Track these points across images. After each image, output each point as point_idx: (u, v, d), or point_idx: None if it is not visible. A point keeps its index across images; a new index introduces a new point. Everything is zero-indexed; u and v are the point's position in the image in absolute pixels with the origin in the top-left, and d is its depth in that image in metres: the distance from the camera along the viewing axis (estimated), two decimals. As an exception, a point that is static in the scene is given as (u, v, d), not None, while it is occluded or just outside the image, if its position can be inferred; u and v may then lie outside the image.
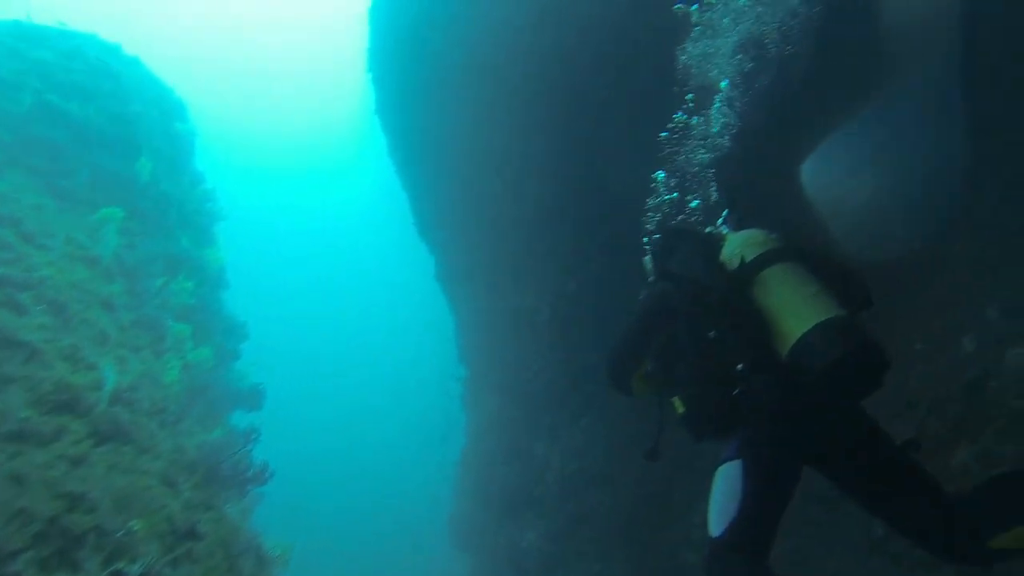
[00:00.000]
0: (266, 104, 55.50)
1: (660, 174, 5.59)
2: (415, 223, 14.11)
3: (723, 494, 2.28)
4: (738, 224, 2.95)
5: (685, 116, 5.86)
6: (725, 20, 6.73)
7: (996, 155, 5.60)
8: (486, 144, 10.35)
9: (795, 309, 2.25)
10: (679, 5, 6.35)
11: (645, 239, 3.28)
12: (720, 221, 3.07)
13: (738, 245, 2.55)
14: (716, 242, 2.75)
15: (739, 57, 6.93)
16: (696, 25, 6.42)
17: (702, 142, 5.92)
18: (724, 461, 2.38)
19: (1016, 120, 5.02)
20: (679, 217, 4.89)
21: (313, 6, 50.99)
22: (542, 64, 8.70)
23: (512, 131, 9.65)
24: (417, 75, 11.07)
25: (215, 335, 11.81)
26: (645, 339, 2.75)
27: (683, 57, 6.38)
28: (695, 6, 6.50)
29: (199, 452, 6.20)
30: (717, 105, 5.83)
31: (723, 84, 5.12)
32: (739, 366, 2.29)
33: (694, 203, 4.60)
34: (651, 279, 3.10)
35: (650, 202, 4.97)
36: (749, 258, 2.45)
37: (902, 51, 12.83)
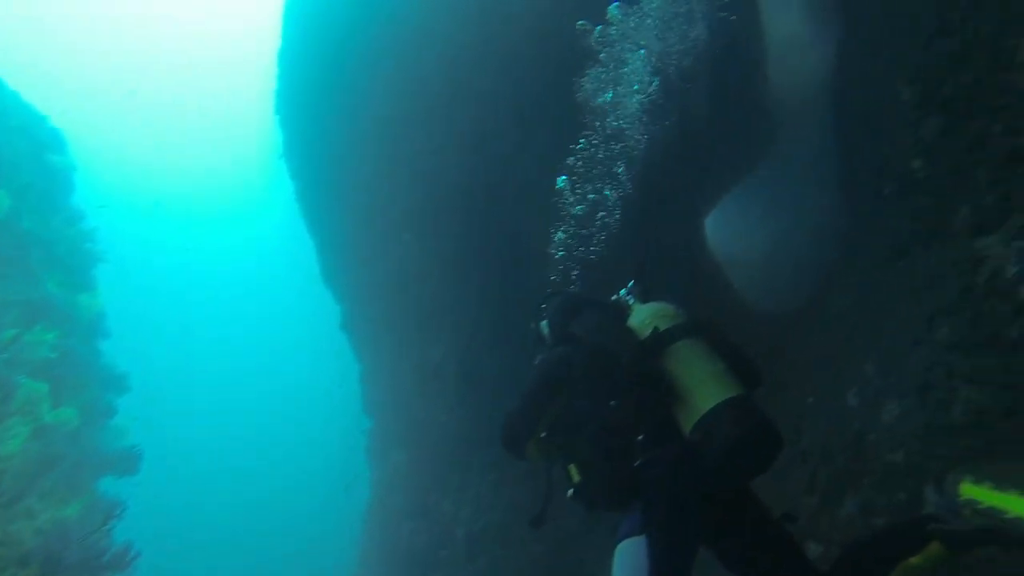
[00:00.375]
0: (168, 141, 52.86)
1: (559, 234, 5.66)
2: (320, 270, 13.54)
3: (628, 571, 2.27)
4: (644, 295, 2.93)
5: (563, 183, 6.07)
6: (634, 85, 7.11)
7: (868, 218, 6.07)
8: (394, 193, 10.17)
9: (703, 385, 2.26)
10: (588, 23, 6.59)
11: (542, 301, 3.19)
12: (624, 291, 3.02)
13: (648, 316, 2.56)
14: (622, 311, 2.75)
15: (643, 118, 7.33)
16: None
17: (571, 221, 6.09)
18: (624, 536, 2.35)
19: (883, 185, 5.46)
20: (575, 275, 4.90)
21: (223, 42, 49.73)
22: (451, 117, 8.73)
23: (421, 180, 9.55)
24: (326, 120, 10.81)
25: (86, 390, 10.53)
26: (543, 404, 2.66)
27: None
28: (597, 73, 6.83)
29: (39, 538, 5.27)
30: (561, 184, 6.05)
31: (560, 182, 5.37)
32: (640, 437, 2.28)
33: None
34: (549, 342, 2.99)
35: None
36: (662, 329, 2.45)
37: (784, 115, 14.12)
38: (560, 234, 5.82)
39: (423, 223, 9.67)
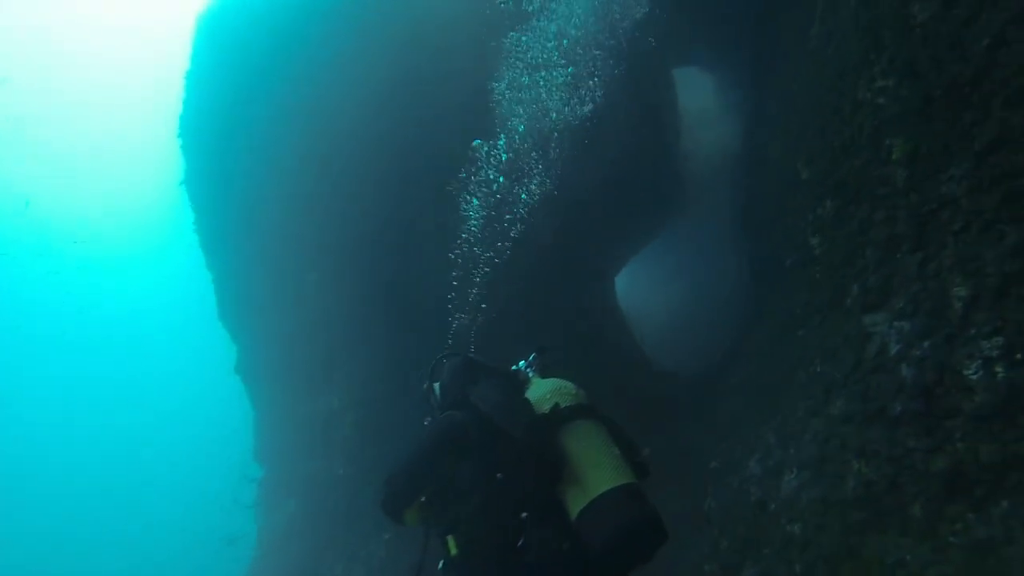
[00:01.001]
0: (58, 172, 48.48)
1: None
2: (217, 307, 12.54)
3: None
4: (543, 370, 2.89)
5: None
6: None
7: (770, 287, 6.37)
8: (302, 232, 9.70)
9: (597, 468, 2.20)
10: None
11: (434, 361, 3.10)
12: (524, 363, 2.95)
13: (549, 391, 2.50)
14: (520, 382, 2.70)
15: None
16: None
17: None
18: None
19: (784, 257, 5.76)
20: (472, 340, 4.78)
21: (123, 68, 46.56)
22: (366, 163, 8.55)
23: (333, 222, 9.19)
24: (233, 150, 10.22)
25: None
26: (428, 469, 2.54)
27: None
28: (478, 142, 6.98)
29: None
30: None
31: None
32: (524, 515, 2.20)
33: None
34: (440, 405, 2.91)
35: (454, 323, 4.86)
36: (563, 406, 2.39)
37: (694, 183, 14.99)
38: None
39: (329, 266, 9.25)
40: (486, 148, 7.06)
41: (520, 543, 2.17)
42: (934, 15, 3.58)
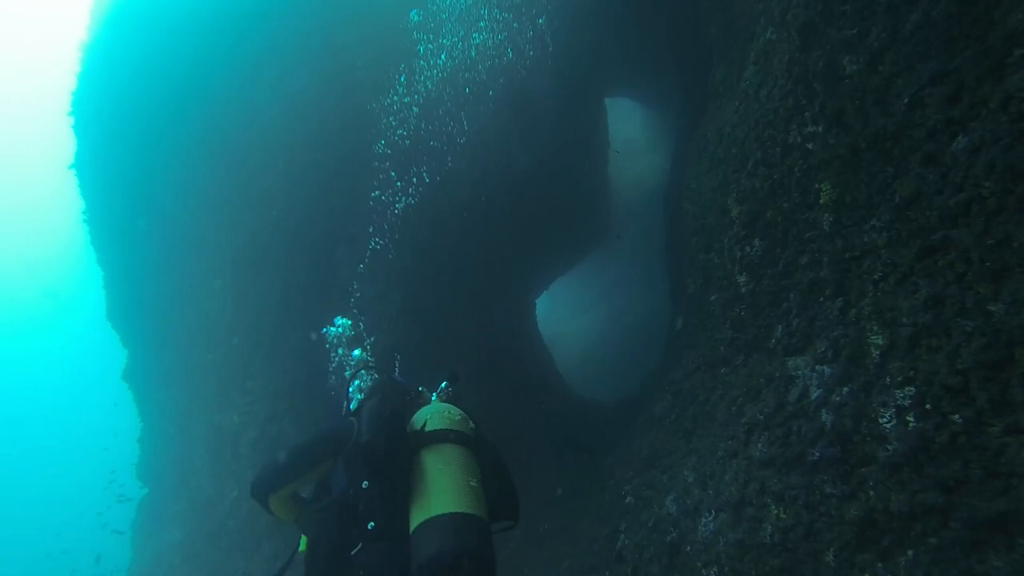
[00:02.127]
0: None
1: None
2: (108, 308, 11.31)
3: None
4: (448, 398, 2.91)
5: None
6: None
7: (691, 325, 6.41)
8: (209, 232, 8.95)
9: (443, 492, 2.22)
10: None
11: (353, 375, 3.21)
12: (436, 391, 3.01)
13: (430, 413, 2.56)
14: (411, 402, 2.77)
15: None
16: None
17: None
18: None
19: (709, 292, 5.80)
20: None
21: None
22: (288, 164, 8.04)
23: (247, 223, 8.53)
24: (133, 134, 9.31)
25: None
26: (305, 463, 2.68)
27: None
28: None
29: None
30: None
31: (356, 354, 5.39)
32: (371, 525, 2.28)
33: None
34: (344, 413, 3.05)
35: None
36: (430, 428, 2.45)
37: (619, 212, 15.26)
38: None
39: (240, 272, 8.56)
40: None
41: (355, 551, 2.25)
42: (861, 69, 3.68)
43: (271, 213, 7.86)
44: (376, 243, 6.71)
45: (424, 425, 2.46)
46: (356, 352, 3.52)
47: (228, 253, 8.61)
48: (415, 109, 7.34)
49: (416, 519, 2.19)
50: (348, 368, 3.20)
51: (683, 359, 6.44)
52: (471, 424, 2.60)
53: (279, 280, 7.89)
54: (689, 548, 4.22)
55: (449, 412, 2.57)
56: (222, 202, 8.57)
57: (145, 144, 9.07)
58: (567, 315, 19.54)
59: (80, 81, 9.87)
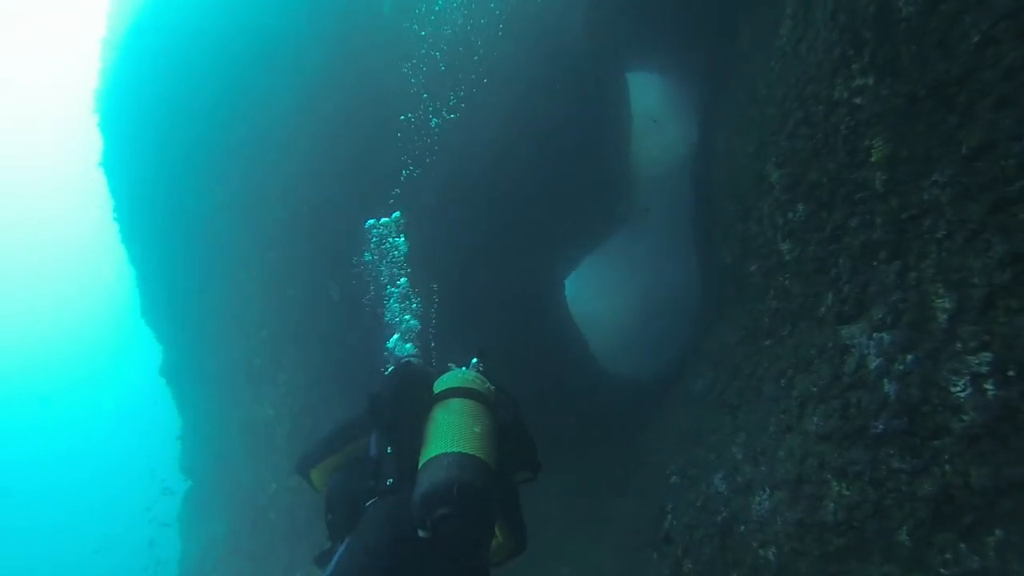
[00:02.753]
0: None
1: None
2: (141, 303, 11.46)
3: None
4: (484, 371, 2.93)
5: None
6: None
7: (731, 294, 6.18)
8: (238, 227, 8.94)
9: (443, 435, 2.25)
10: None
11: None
12: (466, 367, 3.00)
13: (446, 377, 2.61)
14: (429, 371, 2.80)
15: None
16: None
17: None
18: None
19: (747, 263, 5.57)
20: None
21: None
22: (314, 155, 7.95)
23: (273, 216, 8.49)
24: (160, 131, 9.31)
25: None
26: (342, 437, 2.82)
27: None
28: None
29: None
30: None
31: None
32: (389, 481, 2.35)
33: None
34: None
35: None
36: (440, 388, 2.51)
37: (644, 186, 14.93)
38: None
39: (266, 264, 8.55)
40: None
41: (370, 503, 2.34)
42: (920, 9, 3.39)
43: (293, 201, 7.79)
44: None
45: (435, 387, 2.54)
46: (392, 342, 3.46)
47: (253, 245, 8.61)
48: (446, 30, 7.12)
49: (420, 465, 2.25)
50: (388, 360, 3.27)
51: (722, 332, 6.23)
52: (488, 385, 2.62)
53: (304, 270, 7.85)
54: (743, 528, 4.07)
55: (464, 375, 2.60)
56: (245, 192, 8.53)
57: (169, 139, 9.06)
58: (597, 294, 19.31)
59: (103, 78, 9.88)
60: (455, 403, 2.41)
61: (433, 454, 2.20)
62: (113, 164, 10.43)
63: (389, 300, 5.49)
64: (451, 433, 2.26)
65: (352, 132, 7.62)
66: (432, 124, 7.26)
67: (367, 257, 5.90)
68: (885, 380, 3.37)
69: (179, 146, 8.91)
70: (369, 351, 7.04)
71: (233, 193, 8.78)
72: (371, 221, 5.99)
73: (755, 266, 5.46)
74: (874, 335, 3.59)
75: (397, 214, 5.92)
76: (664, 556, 5.07)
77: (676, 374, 7.56)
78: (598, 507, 6.69)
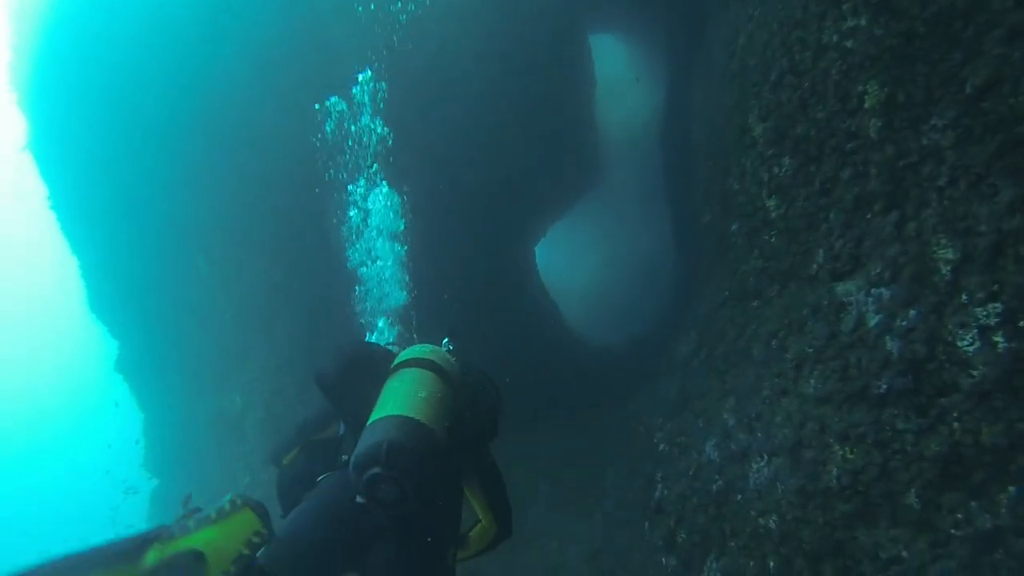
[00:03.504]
0: None
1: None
2: (89, 298, 10.75)
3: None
4: (455, 353, 2.74)
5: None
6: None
7: (710, 255, 6.01)
8: (195, 206, 8.36)
9: (386, 401, 2.17)
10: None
11: None
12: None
13: (404, 352, 2.47)
14: (384, 348, 2.72)
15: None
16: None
17: None
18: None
19: (728, 223, 5.38)
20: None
21: None
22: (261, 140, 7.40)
23: (233, 196, 7.95)
24: (89, 106, 8.55)
25: None
26: (313, 426, 2.72)
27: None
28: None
29: None
30: None
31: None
32: (343, 457, 2.34)
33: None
34: None
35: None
36: (396, 362, 2.40)
37: (610, 149, 14.68)
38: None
39: (226, 245, 8.04)
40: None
41: (321, 478, 2.33)
42: (917, -60, 3.15)
43: (251, 176, 7.26)
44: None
45: (396, 360, 2.43)
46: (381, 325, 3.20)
47: (211, 227, 8.07)
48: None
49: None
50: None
51: (704, 294, 6.07)
52: (450, 359, 2.49)
53: (267, 248, 7.38)
54: (740, 497, 3.94)
55: (423, 348, 2.48)
56: (199, 172, 7.93)
57: (106, 115, 8.30)
58: (567, 261, 19.12)
59: (16, 50, 8.92)
60: (406, 372, 2.32)
61: (373, 419, 2.13)
62: (42, 146, 9.57)
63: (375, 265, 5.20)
64: (393, 399, 2.19)
65: (311, 96, 7.10)
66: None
67: (353, 215, 5.52)
68: (887, 338, 3.22)
69: (119, 122, 8.20)
70: (343, 325, 6.69)
71: (183, 172, 8.16)
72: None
73: (737, 225, 5.27)
74: (872, 291, 3.43)
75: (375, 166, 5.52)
76: (656, 526, 4.97)
77: (659, 339, 7.42)
78: (586, 479, 6.57)
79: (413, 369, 2.32)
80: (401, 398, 2.17)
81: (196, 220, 8.65)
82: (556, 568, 5.42)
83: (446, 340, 2.94)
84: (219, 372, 8.37)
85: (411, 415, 2.09)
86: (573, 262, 19.85)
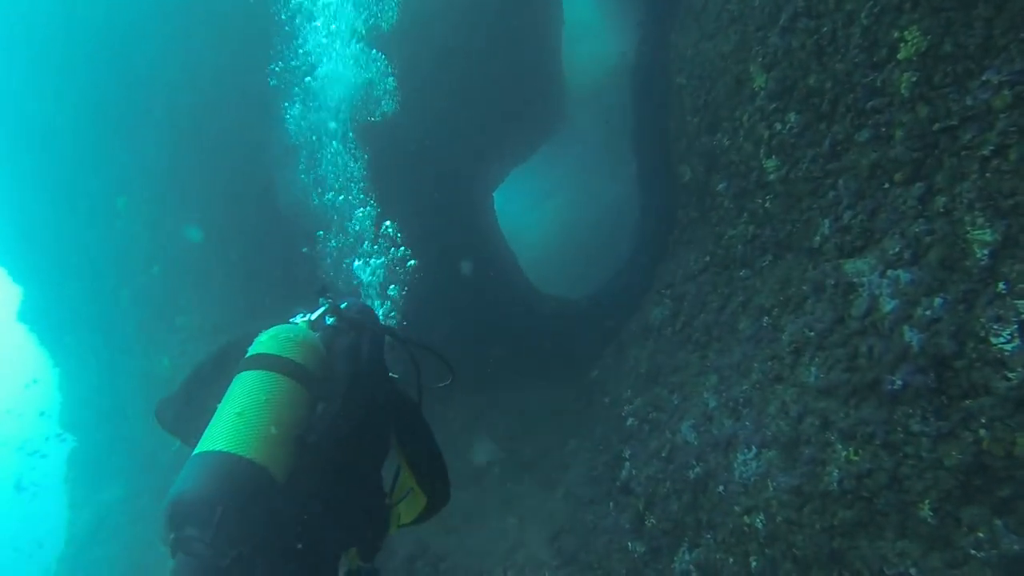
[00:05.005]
0: None
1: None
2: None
3: None
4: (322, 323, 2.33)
5: None
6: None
7: (689, 218, 5.55)
8: (96, 138, 7.23)
9: (211, 428, 1.86)
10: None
11: None
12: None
13: (255, 343, 2.12)
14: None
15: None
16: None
17: None
18: None
19: (711, 181, 4.90)
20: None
21: None
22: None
23: (154, 135, 6.87)
24: None
25: None
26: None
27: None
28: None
29: None
30: None
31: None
32: None
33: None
34: None
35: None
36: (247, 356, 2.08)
37: (574, 98, 13.93)
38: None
39: (151, 183, 7.09)
40: None
41: None
42: None
43: (181, 104, 6.24)
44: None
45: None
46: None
47: (132, 162, 7.04)
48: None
49: None
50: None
51: (680, 257, 5.65)
52: (304, 340, 2.09)
53: (202, 188, 6.46)
54: (722, 489, 3.62)
55: (268, 337, 2.07)
56: (117, 98, 6.80)
57: (9, 37, 6.97)
58: (523, 206, 18.46)
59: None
60: (241, 380, 1.96)
61: (194, 453, 1.80)
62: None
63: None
64: (218, 425, 1.84)
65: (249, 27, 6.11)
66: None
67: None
68: (905, 327, 2.84)
69: (23, 42, 6.89)
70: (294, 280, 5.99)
71: (100, 96, 7.00)
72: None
73: (724, 184, 4.80)
74: (888, 272, 3.03)
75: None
76: (623, 508, 4.67)
77: (625, 302, 7.02)
78: (545, 450, 6.25)
79: (248, 374, 1.95)
80: (225, 425, 1.82)
81: (112, 153, 7.56)
82: (515, 547, 5.11)
83: (322, 302, 2.45)
84: (144, 331, 7.53)
85: (233, 451, 1.75)
86: (530, 208, 19.20)
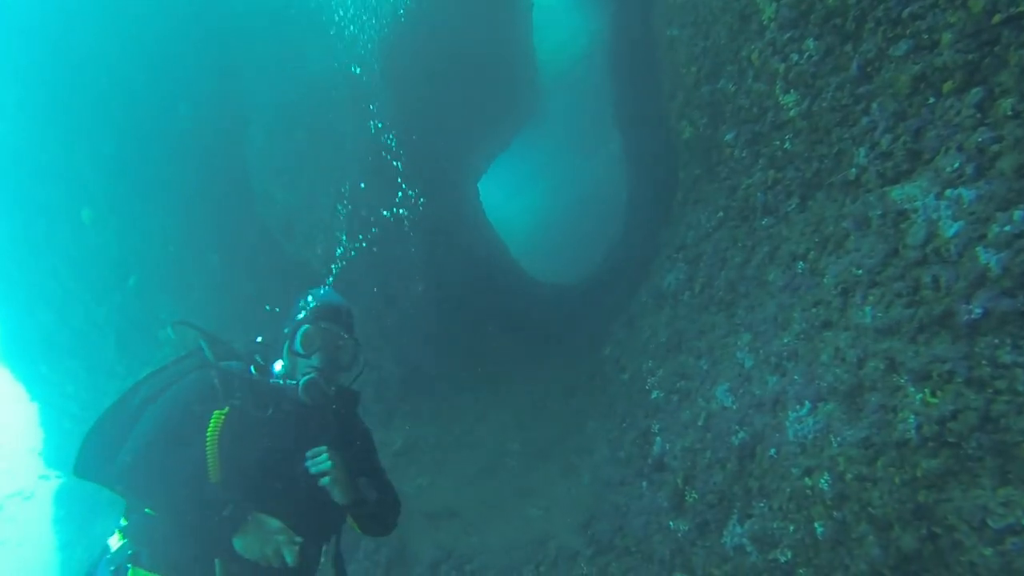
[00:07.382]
0: None
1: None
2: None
3: None
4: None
5: None
6: None
7: (694, 177, 5.23)
8: (53, 148, 6.75)
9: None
10: None
11: None
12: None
13: None
14: None
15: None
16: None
17: None
18: None
19: (718, 131, 4.57)
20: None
21: None
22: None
23: (101, 136, 6.40)
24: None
25: None
26: None
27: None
28: None
29: None
30: None
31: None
32: None
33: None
34: None
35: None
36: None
37: (552, 79, 13.59)
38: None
39: (116, 190, 6.64)
40: None
41: None
42: None
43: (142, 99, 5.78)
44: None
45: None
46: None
47: (93, 171, 6.56)
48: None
49: None
50: None
51: (687, 219, 5.32)
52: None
53: (173, 189, 6.01)
54: (775, 451, 3.29)
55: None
56: (65, 106, 6.31)
57: None
58: (504, 197, 18.09)
59: None
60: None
61: None
62: None
63: None
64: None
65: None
66: None
67: None
68: (978, 249, 2.53)
69: None
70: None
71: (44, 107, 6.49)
72: None
73: (732, 134, 4.49)
74: (945, 192, 2.72)
75: None
76: (658, 485, 4.34)
77: (631, 274, 6.69)
78: (562, 435, 5.90)
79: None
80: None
81: (70, 164, 7.06)
82: (543, 540, 4.75)
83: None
84: (125, 350, 7.07)
85: None
86: (511, 197, 18.85)
